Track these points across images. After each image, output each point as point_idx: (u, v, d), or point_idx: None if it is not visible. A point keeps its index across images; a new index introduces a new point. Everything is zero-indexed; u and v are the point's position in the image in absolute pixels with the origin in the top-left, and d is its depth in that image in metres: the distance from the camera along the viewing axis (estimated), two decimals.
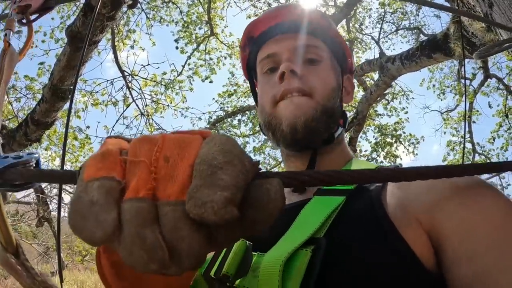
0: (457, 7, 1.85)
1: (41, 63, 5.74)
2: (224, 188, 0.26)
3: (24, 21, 0.77)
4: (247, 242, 0.56)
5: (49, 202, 6.78)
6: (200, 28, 6.76)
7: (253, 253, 0.55)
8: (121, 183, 0.28)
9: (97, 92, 5.98)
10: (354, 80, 0.93)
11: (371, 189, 0.58)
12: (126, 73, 5.64)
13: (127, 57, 5.94)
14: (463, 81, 6.45)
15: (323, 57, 0.75)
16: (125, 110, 6.10)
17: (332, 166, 0.73)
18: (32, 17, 0.79)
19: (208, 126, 6.98)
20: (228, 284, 0.53)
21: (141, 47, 6.37)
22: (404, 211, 0.52)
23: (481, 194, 0.51)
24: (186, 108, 6.86)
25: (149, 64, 5.99)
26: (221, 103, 7.22)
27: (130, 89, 5.79)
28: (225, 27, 6.84)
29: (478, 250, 0.45)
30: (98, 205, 0.27)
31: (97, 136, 6.05)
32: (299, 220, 0.58)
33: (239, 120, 7.20)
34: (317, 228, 0.53)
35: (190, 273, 0.41)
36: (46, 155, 6.36)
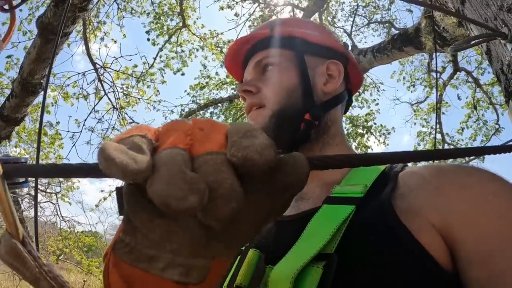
0: (429, 2, 1.92)
1: (9, 57, 5.53)
2: (262, 139, 0.27)
3: (6, 7, 0.75)
4: (260, 252, 0.56)
5: (20, 202, 6.57)
6: (171, 20, 6.65)
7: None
8: (153, 142, 0.28)
9: (68, 85, 5.83)
10: None
11: (380, 196, 0.56)
12: (98, 66, 5.50)
13: (99, 48, 5.77)
14: (433, 74, 6.64)
15: (276, 61, 0.74)
16: (97, 103, 5.98)
17: (330, 175, 0.68)
18: (15, 2, 0.77)
19: (180, 119, 6.89)
20: None
21: (112, 39, 6.23)
22: (416, 215, 0.51)
23: (492, 190, 0.50)
24: (158, 101, 6.79)
25: (121, 56, 5.88)
26: (193, 95, 7.18)
27: (102, 82, 5.66)
28: (197, 19, 6.76)
29: (493, 253, 0.44)
30: (134, 148, 0.26)
31: (68, 131, 5.90)
32: (308, 231, 0.56)
33: (211, 113, 7.14)
34: (327, 242, 0.51)
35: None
36: (15, 153, 6.15)
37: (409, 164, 0.66)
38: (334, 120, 0.75)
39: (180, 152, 0.27)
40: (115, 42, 6.25)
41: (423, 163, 0.60)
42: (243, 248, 0.59)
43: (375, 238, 0.51)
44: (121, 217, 0.33)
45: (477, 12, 1.42)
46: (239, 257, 0.58)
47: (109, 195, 7.50)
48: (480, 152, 0.49)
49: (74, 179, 7.42)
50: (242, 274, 0.53)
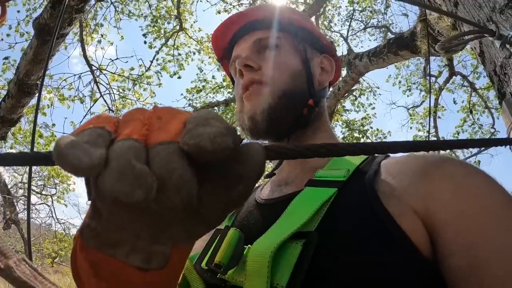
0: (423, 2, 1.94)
1: (6, 58, 5.53)
2: (218, 126, 0.27)
3: None
4: (239, 231, 0.56)
5: (15, 203, 6.54)
6: (169, 23, 6.68)
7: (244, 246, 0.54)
8: (111, 134, 0.28)
9: (64, 87, 5.81)
10: None
11: (363, 179, 0.56)
12: (94, 67, 5.50)
13: (95, 51, 5.79)
14: (429, 78, 6.68)
15: (282, 43, 0.75)
16: (93, 105, 5.97)
17: (314, 161, 0.67)
18: None
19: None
20: (219, 275, 0.52)
21: (109, 41, 6.24)
22: (399, 200, 0.51)
23: (476, 183, 0.50)
24: (154, 104, 6.79)
25: (117, 58, 5.94)
26: (189, 99, 7.18)
27: (98, 83, 5.66)
28: (194, 22, 6.85)
29: (474, 242, 0.44)
30: (88, 143, 0.26)
31: (64, 133, 5.88)
32: (289, 211, 0.56)
33: None
34: (307, 220, 0.51)
35: (171, 274, 0.37)
36: None
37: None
38: (322, 111, 0.77)
39: (133, 145, 0.26)
40: (112, 44, 6.26)
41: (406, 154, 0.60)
42: (223, 227, 0.60)
43: (356, 219, 0.51)
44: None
45: (470, 14, 1.44)
46: (219, 235, 0.58)
47: None
48: (476, 144, 0.50)
49: (70, 181, 7.40)
50: (221, 252, 0.53)
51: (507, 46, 0.90)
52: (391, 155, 0.64)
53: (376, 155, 0.64)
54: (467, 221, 0.46)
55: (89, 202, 0.33)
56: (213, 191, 0.29)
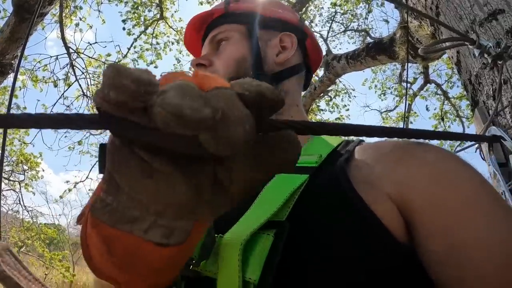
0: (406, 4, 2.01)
1: None
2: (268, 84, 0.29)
3: None
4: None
5: None
6: (149, 11, 6.53)
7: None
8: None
9: (39, 69, 5.63)
10: None
11: (335, 165, 0.55)
12: (71, 50, 5.36)
13: (74, 33, 5.56)
14: (404, 84, 6.87)
15: (231, 35, 0.76)
16: (67, 89, 5.81)
17: None
18: None
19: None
20: (191, 267, 0.51)
21: (88, 24, 6.07)
22: (372, 185, 0.50)
23: (450, 167, 0.50)
24: None
25: (96, 43, 5.76)
26: None
27: (74, 67, 5.51)
28: (175, 12, 6.68)
29: (450, 226, 0.44)
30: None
31: None
32: (259, 200, 0.54)
33: None
34: (278, 209, 0.50)
35: (187, 249, 0.36)
36: None
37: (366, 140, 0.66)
38: (288, 91, 0.75)
39: (191, 83, 0.26)
40: (91, 27, 6.09)
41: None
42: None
43: (328, 206, 0.50)
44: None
45: (450, 24, 1.51)
46: None
47: (74, 186, 7.33)
48: (446, 136, 0.54)
49: (39, 168, 7.18)
50: None
51: (485, 55, 0.96)
52: (365, 140, 0.65)
53: (350, 140, 0.65)
54: (442, 205, 0.46)
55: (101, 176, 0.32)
56: (243, 168, 0.30)
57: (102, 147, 0.31)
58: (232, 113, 0.25)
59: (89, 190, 7.37)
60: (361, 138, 0.64)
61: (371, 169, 0.53)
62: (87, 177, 7.31)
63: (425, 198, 0.47)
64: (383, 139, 0.57)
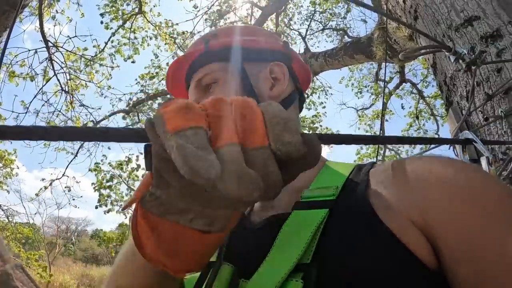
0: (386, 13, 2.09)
1: None
2: (296, 132, 0.34)
3: None
4: (232, 266, 0.52)
5: None
6: (128, 5, 6.44)
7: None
8: (207, 133, 0.33)
9: (16, 63, 5.48)
10: None
11: (355, 195, 0.54)
12: (50, 44, 5.24)
13: (54, 26, 5.41)
14: (380, 83, 7.03)
15: (216, 77, 0.72)
16: (45, 84, 5.68)
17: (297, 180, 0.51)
18: None
19: (127, 108, 6.82)
20: None
21: (68, 17, 5.96)
22: (394, 212, 0.48)
23: (472, 184, 0.47)
24: (109, 86, 6.63)
25: (75, 36, 5.65)
26: (142, 85, 7.03)
27: (53, 61, 5.40)
28: (154, 6, 6.63)
29: (477, 249, 0.42)
30: (201, 149, 0.30)
31: (13, 111, 5.57)
32: (280, 240, 0.52)
33: (159, 104, 7.07)
34: (303, 252, 0.48)
35: (224, 235, 0.41)
36: None
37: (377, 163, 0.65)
38: None
39: (238, 150, 0.32)
40: (70, 20, 5.98)
41: (390, 160, 0.60)
42: (215, 261, 0.55)
43: (355, 243, 0.47)
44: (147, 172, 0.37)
45: (428, 28, 1.59)
46: (210, 271, 0.53)
47: (50, 184, 7.16)
48: (426, 141, 0.60)
49: (13, 166, 6.99)
50: None
51: (460, 61, 1.04)
52: (376, 163, 0.64)
53: (362, 165, 0.63)
54: (467, 227, 0.44)
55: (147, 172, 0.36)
56: (290, 168, 0.36)
57: (147, 148, 0.35)
58: (268, 181, 0.33)
59: (65, 187, 7.22)
60: (371, 161, 0.63)
61: (390, 194, 0.51)
62: (63, 175, 7.16)
63: (447, 220, 0.45)
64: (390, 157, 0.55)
